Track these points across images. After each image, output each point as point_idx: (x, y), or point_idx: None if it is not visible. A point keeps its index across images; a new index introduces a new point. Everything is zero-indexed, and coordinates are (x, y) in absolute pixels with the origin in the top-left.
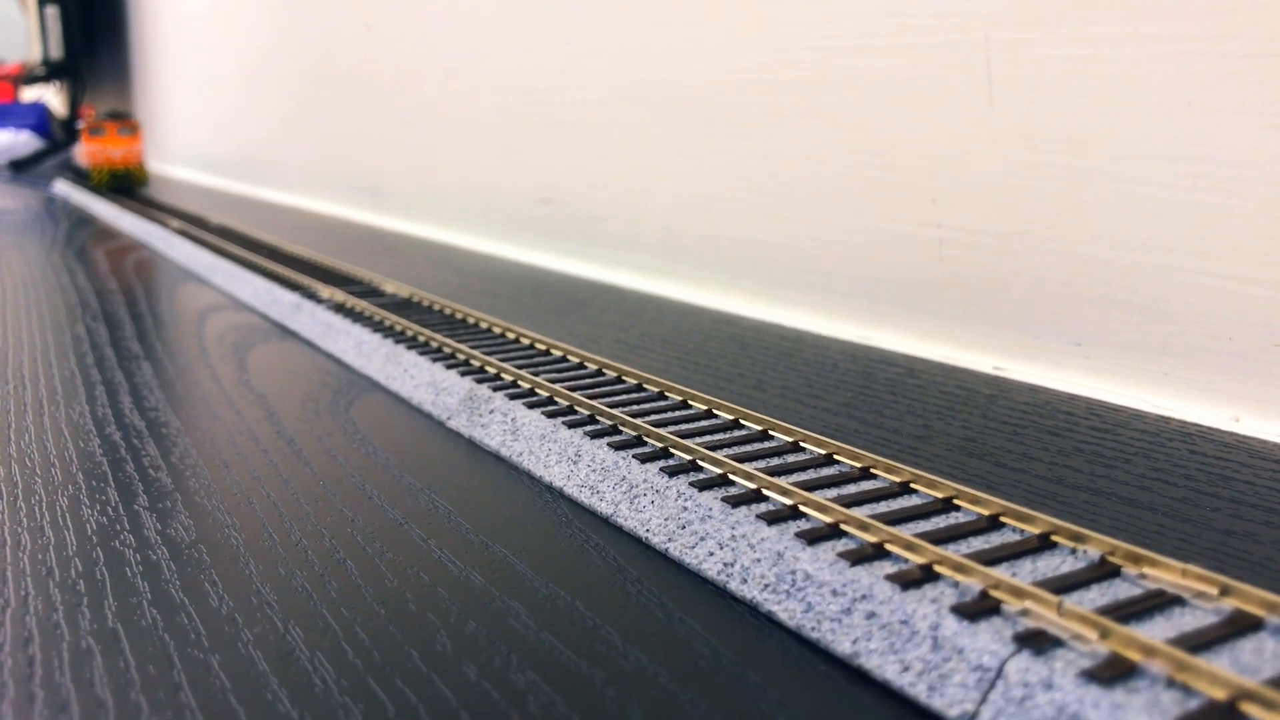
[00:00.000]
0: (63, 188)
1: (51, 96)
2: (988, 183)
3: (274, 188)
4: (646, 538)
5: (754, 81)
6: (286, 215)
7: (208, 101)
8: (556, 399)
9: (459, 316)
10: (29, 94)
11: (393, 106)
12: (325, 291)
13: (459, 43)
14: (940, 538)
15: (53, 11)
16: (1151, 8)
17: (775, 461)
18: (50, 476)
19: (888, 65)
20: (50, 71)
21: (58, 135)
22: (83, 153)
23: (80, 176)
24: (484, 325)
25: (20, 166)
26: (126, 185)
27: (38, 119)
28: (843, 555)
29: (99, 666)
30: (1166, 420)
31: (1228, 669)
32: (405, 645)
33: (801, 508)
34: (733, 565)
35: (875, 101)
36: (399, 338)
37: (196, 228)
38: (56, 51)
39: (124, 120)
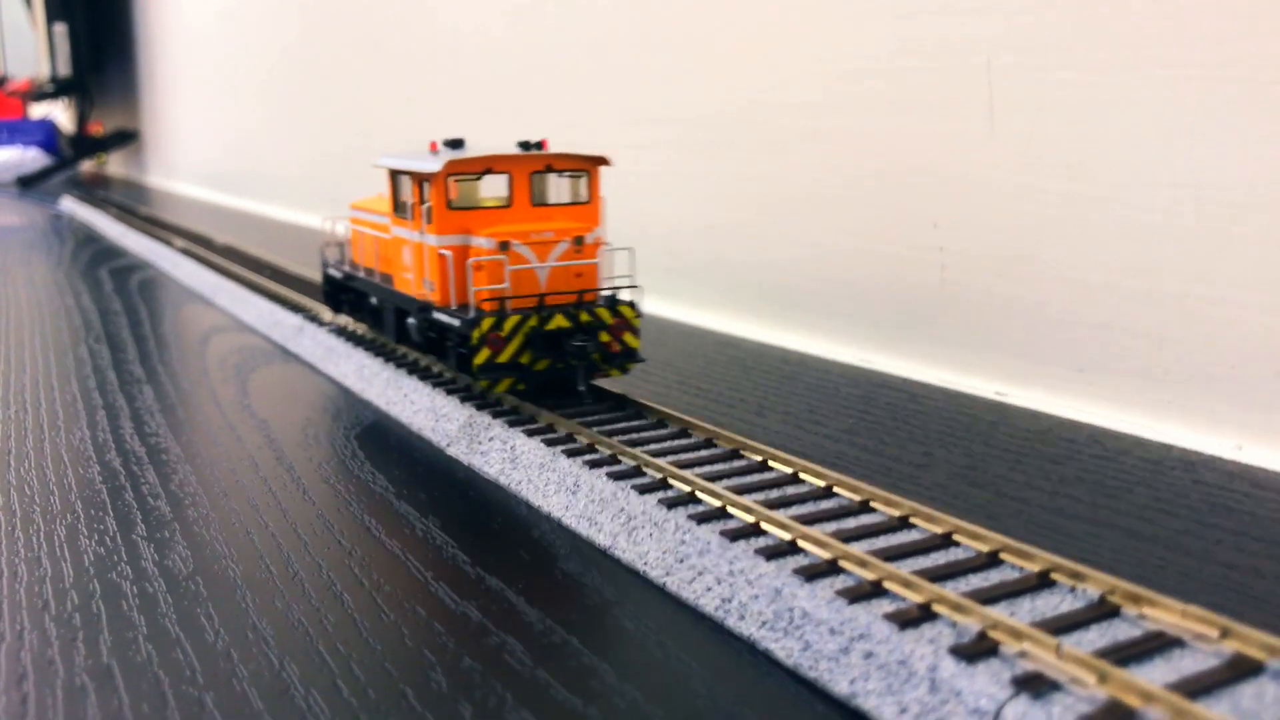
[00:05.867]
0: (69, 204)
1: (59, 113)
2: (989, 207)
3: (281, 204)
4: (644, 571)
5: (756, 105)
6: (293, 233)
7: (216, 118)
8: (555, 427)
9: None
10: (37, 111)
11: (401, 126)
12: (328, 314)
13: (465, 64)
14: (939, 575)
15: (61, 29)
16: (1154, 34)
17: (774, 494)
18: (49, 505)
19: (890, 89)
20: (58, 88)
21: (65, 152)
22: (462, 273)
23: (388, 330)
24: None
25: (28, 183)
26: (587, 371)
27: (45, 135)
28: (841, 593)
29: (93, 705)
30: (1169, 448)
31: (1228, 715)
32: (400, 683)
33: (800, 543)
34: (730, 601)
35: (877, 125)
36: (400, 362)
37: (201, 247)
38: (65, 68)
39: (550, 159)
